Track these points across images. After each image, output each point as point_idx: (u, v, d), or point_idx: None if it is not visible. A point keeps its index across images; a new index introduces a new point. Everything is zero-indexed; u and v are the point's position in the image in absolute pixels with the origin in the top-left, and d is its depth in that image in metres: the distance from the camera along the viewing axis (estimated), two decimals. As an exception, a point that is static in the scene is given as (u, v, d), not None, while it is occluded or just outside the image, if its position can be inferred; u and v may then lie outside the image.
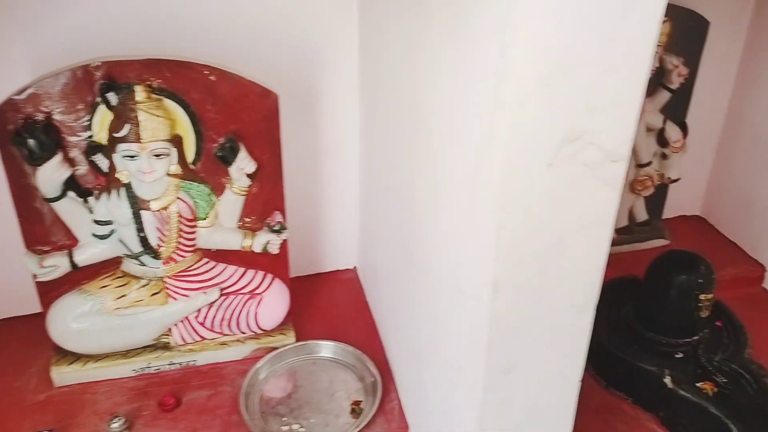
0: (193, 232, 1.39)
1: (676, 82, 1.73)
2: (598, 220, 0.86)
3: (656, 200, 1.95)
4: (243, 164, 1.34)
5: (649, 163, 1.83)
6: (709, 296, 1.43)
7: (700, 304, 1.43)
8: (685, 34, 1.70)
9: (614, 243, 1.89)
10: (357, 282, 1.78)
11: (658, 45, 1.65)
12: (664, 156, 1.84)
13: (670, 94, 1.76)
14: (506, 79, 0.74)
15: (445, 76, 0.95)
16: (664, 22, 1.63)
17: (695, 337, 1.45)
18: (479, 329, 0.92)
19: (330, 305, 1.70)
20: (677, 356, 1.45)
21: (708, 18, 1.71)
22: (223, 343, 1.52)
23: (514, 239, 0.84)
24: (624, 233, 1.93)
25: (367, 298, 1.72)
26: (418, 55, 1.08)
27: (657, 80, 1.75)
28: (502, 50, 0.74)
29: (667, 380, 1.38)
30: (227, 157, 1.33)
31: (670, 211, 2.07)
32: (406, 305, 1.33)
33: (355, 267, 1.83)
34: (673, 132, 1.80)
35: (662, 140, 1.81)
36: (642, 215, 1.95)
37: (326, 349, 1.52)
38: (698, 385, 1.38)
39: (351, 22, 1.51)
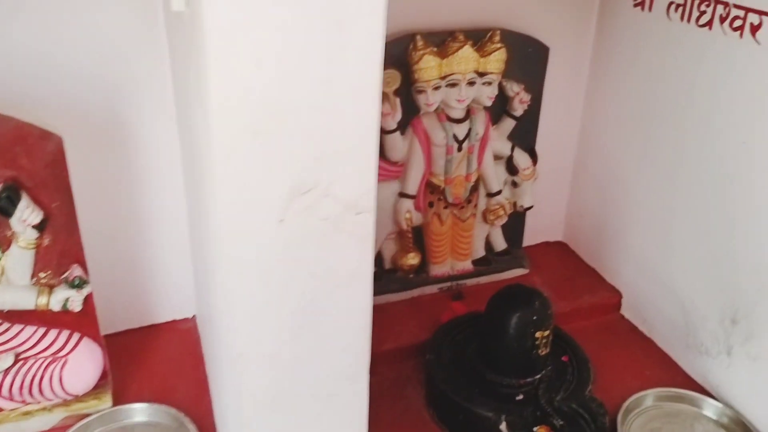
0: (-25, 293, 1.23)
1: (519, 108, 1.69)
2: (353, 276, 0.77)
3: (514, 228, 1.91)
4: (25, 215, 1.19)
5: (499, 192, 1.78)
6: (546, 333, 1.37)
7: (537, 342, 1.36)
8: (524, 61, 1.67)
9: (473, 274, 1.85)
10: (195, 332, 1.65)
11: (496, 73, 1.61)
12: (514, 184, 1.79)
13: (515, 121, 1.71)
14: (210, 129, 0.64)
15: (195, 122, 0.85)
16: (499, 48, 1.58)
17: (536, 377, 1.39)
18: (239, 401, 0.81)
19: (160, 361, 1.56)
20: (518, 398, 1.38)
21: (547, 44, 1.69)
22: (27, 413, 1.36)
23: (254, 305, 0.73)
24: (482, 264, 1.87)
25: (203, 350, 1.59)
26: (187, 94, 0.97)
27: (501, 108, 1.71)
28: (204, 97, 0.65)
29: (503, 427, 1.30)
30: (5, 208, 1.18)
31: (532, 238, 2.04)
32: (215, 362, 1.21)
33: (194, 316, 1.69)
34: (522, 159, 1.76)
35: (512, 168, 1.76)
36: (500, 244, 1.90)
37: (141, 413, 1.38)
38: (535, 429, 1.31)
39: (162, 58, 1.39)
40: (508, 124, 1.72)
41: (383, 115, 1.56)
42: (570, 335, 1.57)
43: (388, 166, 1.66)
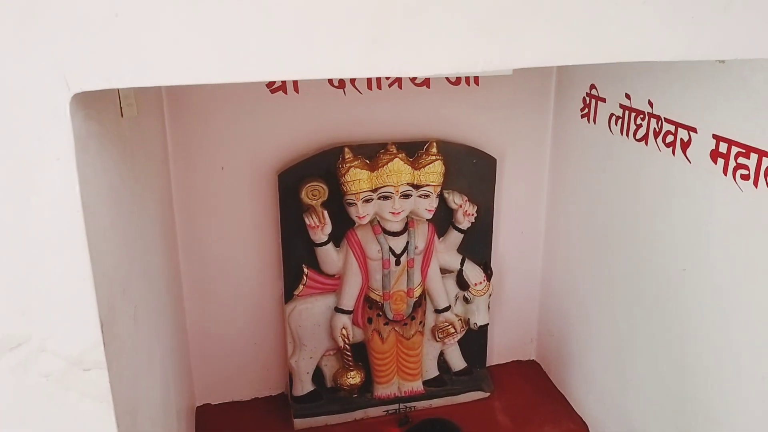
0: None
1: (464, 221, 1.59)
2: (93, 439, 0.69)
3: (475, 346, 1.77)
4: None
5: (447, 308, 1.66)
6: (457, 479, 1.22)
7: (447, 489, 1.21)
8: (469, 172, 1.58)
9: (424, 396, 1.71)
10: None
11: (434, 185, 1.53)
12: (466, 300, 1.67)
13: (462, 234, 1.61)
14: None
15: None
16: (434, 160, 1.51)
17: None
18: None
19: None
20: None
21: (494, 155, 1.60)
22: None
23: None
24: (435, 385, 1.73)
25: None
26: None
27: (448, 220, 1.62)
28: None
29: None
30: None
31: (502, 356, 1.89)
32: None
33: None
34: (473, 273, 1.65)
35: (462, 283, 1.65)
36: (458, 364, 1.76)
37: None
38: None
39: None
40: (455, 237, 1.62)
41: (311, 228, 1.50)
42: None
43: (323, 279, 1.59)
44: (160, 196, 1.29)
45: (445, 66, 0.63)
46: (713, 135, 1.12)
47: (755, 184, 1.04)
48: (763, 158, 1.02)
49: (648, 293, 1.35)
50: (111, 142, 0.77)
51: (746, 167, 1.05)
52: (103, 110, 0.75)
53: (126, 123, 0.88)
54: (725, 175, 1.10)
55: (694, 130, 1.17)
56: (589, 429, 1.63)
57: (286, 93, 1.48)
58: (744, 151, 1.06)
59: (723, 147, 1.10)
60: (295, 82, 1.48)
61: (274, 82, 1.47)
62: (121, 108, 0.85)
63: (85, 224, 0.60)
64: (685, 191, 1.21)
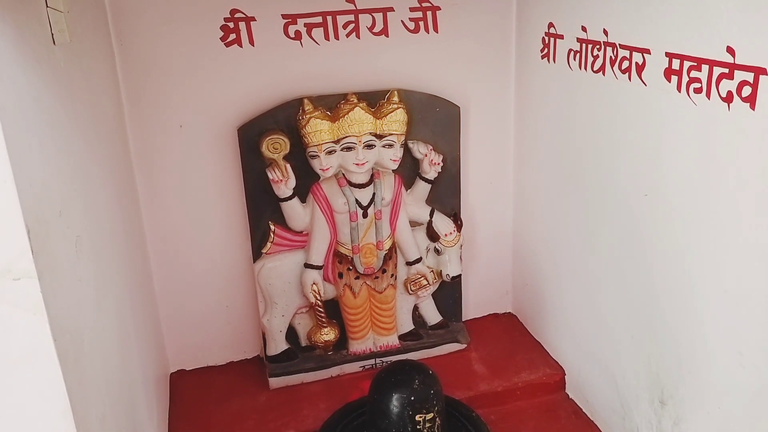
0: None
1: (430, 171, 1.58)
2: (29, 354, 0.67)
3: (450, 300, 1.76)
4: None
5: (418, 260, 1.65)
6: (429, 416, 1.21)
7: (419, 427, 1.21)
8: (433, 121, 1.57)
9: (399, 351, 1.70)
10: None
11: (397, 134, 1.52)
12: (437, 251, 1.66)
13: (429, 185, 1.60)
14: None
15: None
16: (396, 109, 1.50)
17: (421, 469, 1.22)
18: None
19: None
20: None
21: (458, 103, 1.59)
22: None
23: None
24: (410, 339, 1.72)
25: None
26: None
27: (415, 171, 1.60)
28: None
29: None
30: None
31: (479, 310, 1.88)
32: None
33: None
34: (442, 224, 1.64)
35: (432, 234, 1.64)
36: (433, 317, 1.75)
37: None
38: None
39: None
40: (423, 188, 1.61)
41: (274, 182, 1.49)
42: (482, 419, 1.39)
43: (291, 236, 1.57)
44: (113, 150, 1.27)
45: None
46: (666, 53, 1.11)
47: (707, 95, 1.04)
48: (714, 68, 1.01)
49: (614, 226, 1.34)
50: (37, 60, 0.75)
51: (698, 80, 1.05)
52: (30, 33, 0.73)
53: (60, 53, 0.86)
54: (679, 91, 1.09)
55: (648, 51, 1.16)
56: (566, 372, 1.63)
57: (241, 46, 1.46)
58: (695, 64, 1.05)
59: (675, 64, 1.09)
60: (249, 35, 1.46)
61: (228, 35, 1.45)
62: (52, 34, 0.83)
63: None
64: (643, 115, 1.20)
